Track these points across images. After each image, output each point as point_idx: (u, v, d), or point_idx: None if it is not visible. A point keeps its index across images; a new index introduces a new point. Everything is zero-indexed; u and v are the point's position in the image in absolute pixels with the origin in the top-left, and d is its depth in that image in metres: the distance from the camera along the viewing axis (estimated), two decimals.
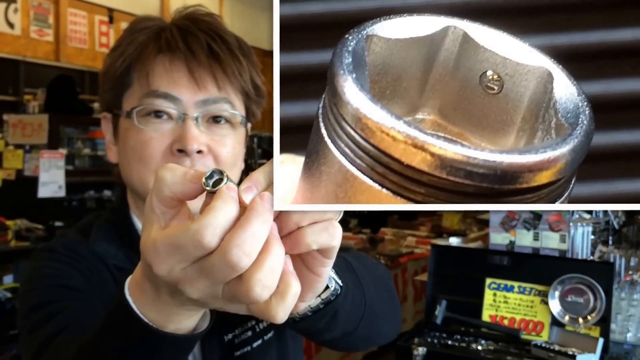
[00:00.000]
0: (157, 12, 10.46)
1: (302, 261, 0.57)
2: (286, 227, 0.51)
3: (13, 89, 8.01)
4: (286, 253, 0.51)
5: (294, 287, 0.49)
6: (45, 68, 8.25)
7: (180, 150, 0.86)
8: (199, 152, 0.87)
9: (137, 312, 0.55)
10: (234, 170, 0.92)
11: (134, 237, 0.95)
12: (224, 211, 0.46)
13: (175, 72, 0.87)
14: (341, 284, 0.71)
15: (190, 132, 0.86)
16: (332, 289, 0.69)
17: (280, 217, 0.51)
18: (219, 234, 0.46)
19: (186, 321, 0.57)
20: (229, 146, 0.90)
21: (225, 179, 0.49)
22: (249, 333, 0.97)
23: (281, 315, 0.49)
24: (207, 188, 0.49)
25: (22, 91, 7.93)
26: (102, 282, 0.91)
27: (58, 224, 4.85)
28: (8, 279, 4.82)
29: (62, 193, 4.72)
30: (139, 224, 0.96)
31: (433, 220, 8.62)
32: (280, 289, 0.48)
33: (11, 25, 8.34)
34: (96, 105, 6.62)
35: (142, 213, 0.95)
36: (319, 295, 0.67)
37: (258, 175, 0.51)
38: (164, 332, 0.55)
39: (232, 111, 0.90)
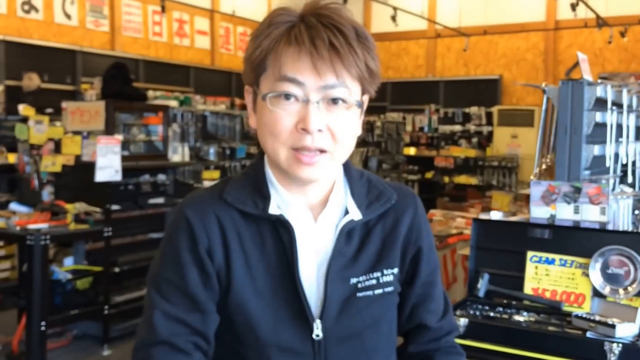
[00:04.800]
0: (209, 1, 10.64)
1: None
2: None
3: (71, 79, 8.29)
4: None
5: None
6: (101, 57, 8.53)
7: (304, 129, 1.06)
8: (319, 130, 1.06)
9: None
10: (349, 141, 1.11)
11: (264, 186, 1.15)
12: None
13: (301, 62, 1.05)
14: None
15: (311, 115, 1.05)
16: None
17: None
18: None
19: None
20: (345, 124, 1.09)
21: None
22: (374, 281, 1.16)
23: None
24: None
25: (79, 80, 8.21)
26: (214, 245, 1.11)
27: (115, 207, 4.99)
28: (68, 261, 5.00)
29: (118, 177, 4.85)
30: (272, 177, 1.16)
31: (483, 202, 8.57)
32: None
33: (69, 16, 8.64)
34: (150, 92, 6.80)
35: (276, 171, 1.15)
36: None
37: None
38: None
39: (347, 96, 1.08)
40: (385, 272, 1.17)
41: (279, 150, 1.09)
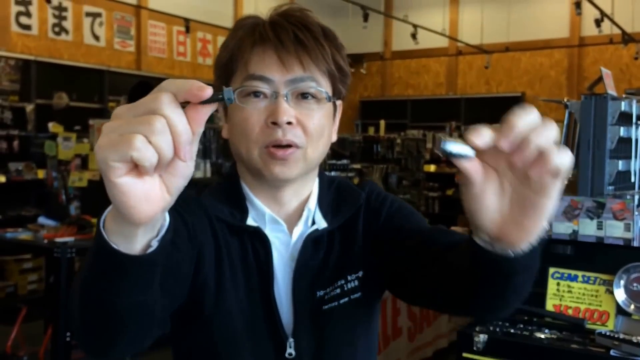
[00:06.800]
0: (231, 21, 10.80)
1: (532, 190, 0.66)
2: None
3: (98, 97, 8.44)
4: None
5: None
6: (128, 77, 8.66)
7: (274, 123, 1.01)
8: (289, 123, 1.01)
9: (104, 234, 0.69)
10: (322, 139, 1.06)
11: (241, 198, 1.10)
12: None
13: (267, 58, 1.03)
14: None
15: (280, 107, 1.00)
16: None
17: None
18: None
19: (137, 240, 0.69)
20: (316, 118, 1.04)
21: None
22: (338, 291, 1.10)
23: None
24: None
25: (106, 99, 8.36)
26: (200, 225, 1.04)
27: None
28: None
29: None
30: (247, 189, 1.11)
31: None
32: None
33: (97, 37, 8.82)
34: None
35: (250, 182, 1.11)
36: None
37: None
38: (126, 253, 0.69)
39: (316, 87, 1.04)
40: (349, 277, 1.11)
41: (252, 150, 1.04)
